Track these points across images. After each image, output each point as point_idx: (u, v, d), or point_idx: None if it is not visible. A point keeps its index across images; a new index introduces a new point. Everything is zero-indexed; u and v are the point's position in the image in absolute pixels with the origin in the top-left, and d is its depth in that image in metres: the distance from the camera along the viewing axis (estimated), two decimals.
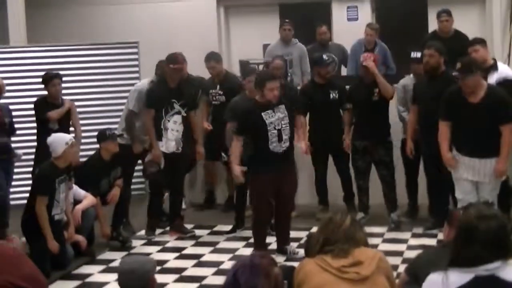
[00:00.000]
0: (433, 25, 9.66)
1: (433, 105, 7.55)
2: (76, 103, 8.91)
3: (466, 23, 10.70)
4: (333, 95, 8.59)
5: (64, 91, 9.00)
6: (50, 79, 8.50)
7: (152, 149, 8.19)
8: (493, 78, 7.60)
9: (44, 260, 6.90)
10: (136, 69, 9.82)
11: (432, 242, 7.49)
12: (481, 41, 7.85)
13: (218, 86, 9.15)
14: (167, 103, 8.13)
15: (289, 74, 9.60)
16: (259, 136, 7.14)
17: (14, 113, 9.32)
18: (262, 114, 7.11)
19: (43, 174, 7.33)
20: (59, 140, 7.31)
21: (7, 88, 9.43)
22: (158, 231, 8.47)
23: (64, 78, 9.16)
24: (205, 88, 9.30)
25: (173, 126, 8.18)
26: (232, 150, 7.37)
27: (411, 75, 8.45)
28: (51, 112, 8.48)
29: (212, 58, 9.20)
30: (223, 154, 9.07)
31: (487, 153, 7.03)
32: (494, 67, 7.73)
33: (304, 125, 8.58)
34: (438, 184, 7.87)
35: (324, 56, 8.79)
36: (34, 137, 8.80)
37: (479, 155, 7.04)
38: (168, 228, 8.45)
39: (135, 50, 9.88)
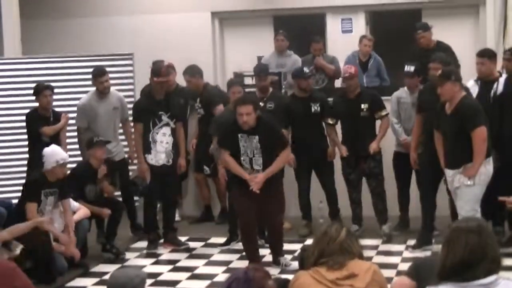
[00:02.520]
0: None
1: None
2: (71, 115, 8.91)
3: (459, 35, 10.72)
4: (315, 108, 8.56)
5: (59, 103, 9.04)
6: (41, 90, 8.53)
7: (138, 164, 8.18)
8: (499, 91, 7.62)
9: (48, 263, 7.08)
10: (130, 80, 9.82)
11: (426, 254, 7.48)
12: (490, 55, 7.83)
13: (198, 99, 9.20)
14: (154, 116, 8.11)
15: (283, 87, 9.57)
16: (234, 157, 7.18)
17: (8, 125, 9.37)
18: (239, 134, 7.09)
19: (31, 181, 7.51)
20: (52, 155, 7.36)
21: (2, 100, 9.45)
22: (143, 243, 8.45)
23: (59, 90, 9.21)
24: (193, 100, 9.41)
25: (162, 138, 8.16)
26: (227, 163, 7.32)
27: (405, 88, 8.46)
28: (45, 128, 8.49)
29: (187, 72, 9.28)
30: (205, 167, 9.08)
31: (454, 165, 7.08)
32: (499, 80, 7.74)
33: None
34: (432, 199, 7.84)
35: (305, 69, 8.77)
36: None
37: (451, 166, 7.12)
38: (161, 241, 8.42)
39: (129, 62, 9.87)
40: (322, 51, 10.37)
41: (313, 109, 8.56)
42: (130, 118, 8.74)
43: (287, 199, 9.11)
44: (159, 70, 8.16)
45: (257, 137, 7.06)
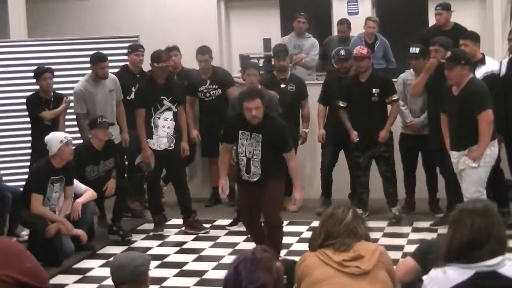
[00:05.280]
0: (433, 19, 9.64)
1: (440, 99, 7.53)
2: (72, 98, 8.90)
3: (466, 18, 10.69)
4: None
5: (64, 86, 9.03)
6: (41, 73, 8.51)
7: (142, 150, 8.19)
8: (480, 72, 7.62)
9: (55, 245, 7.17)
10: None
11: (432, 236, 7.48)
12: (473, 37, 7.81)
13: (208, 82, 9.12)
14: (155, 100, 8.08)
15: (289, 69, 9.55)
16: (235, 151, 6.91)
17: (13, 108, 9.37)
18: (240, 131, 6.72)
19: (37, 171, 7.49)
20: (54, 138, 7.39)
21: (8, 82, 9.45)
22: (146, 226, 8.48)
23: (64, 73, 9.22)
24: (192, 86, 9.19)
25: (164, 123, 8.13)
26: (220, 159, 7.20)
27: (411, 70, 8.43)
28: (45, 112, 8.46)
29: (208, 52, 9.15)
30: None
31: (459, 147, 7.07)
32: (482, 62, 7.73)
33: (323, 115, 8.70)
34: (455, 179, 7.72)
35: (342, 51, 8.72)
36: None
37: (456, 148, 7.11)
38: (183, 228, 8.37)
39: None
40: (347, 32, 10.38)
41: None
42: None
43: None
44: (159, 56, 8.08)
45: (260, 135, 6.65)
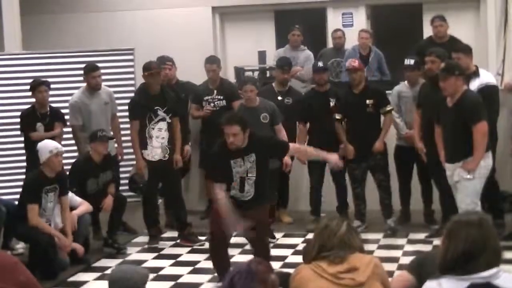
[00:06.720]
0: (428, 31, 9.68)
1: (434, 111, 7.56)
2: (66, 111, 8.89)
3: (460, 29, 10.74)
4: (333, 103, 8.52)
5: (59, 99, 9.02)
6: (37, 86, 8.50)
7: (136, 161, 8.18)
8: (474, 85, 7.64)
9: (50, 258, 7.13)
10: (131, 76, 9.82)
11: (428, 248, 7.49)
12: (466, 50, 7.85)
13: (215, 92, 9.10)
14: (150, 111, 8.09)
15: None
16: (224, 177, 6.46)
17: (8, 121, 9.35)
18: (231, 161, 6.35)
19: (29, 182, 7.48)
20: (44, 147, 7.38)
21: (2, 95, 9.44)
22: (141, 238, 8.46)
23: (59, 86, 9.21)
24: (198, 95, 9.18)
25: (158, 133, 8.13)
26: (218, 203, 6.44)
27: (406, 82, 8.45)
28: (34, 133, 8.41)
29: (216, 62, 9.13)
30: None
31: (454, 159, 7.08)
32: (476, 74, 7.76)
33: (304, 134, 8.58)
34: (449, 192, 7.69)
35: (319, 63, 8.77)
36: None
37: (451, 160, 7.12)
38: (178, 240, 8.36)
39: (130, 57, 9.86)
40: (342, 39, 10.52)
41: (331, 104, 8.51)
42: (120, 114, 8.77)
43: (293, 193, 9.12)
44: (150, 65, 8.11)
45: (253, 155, 6.35)
